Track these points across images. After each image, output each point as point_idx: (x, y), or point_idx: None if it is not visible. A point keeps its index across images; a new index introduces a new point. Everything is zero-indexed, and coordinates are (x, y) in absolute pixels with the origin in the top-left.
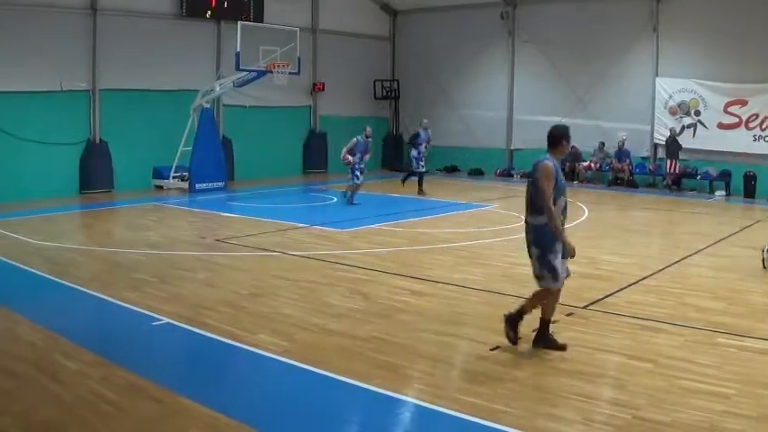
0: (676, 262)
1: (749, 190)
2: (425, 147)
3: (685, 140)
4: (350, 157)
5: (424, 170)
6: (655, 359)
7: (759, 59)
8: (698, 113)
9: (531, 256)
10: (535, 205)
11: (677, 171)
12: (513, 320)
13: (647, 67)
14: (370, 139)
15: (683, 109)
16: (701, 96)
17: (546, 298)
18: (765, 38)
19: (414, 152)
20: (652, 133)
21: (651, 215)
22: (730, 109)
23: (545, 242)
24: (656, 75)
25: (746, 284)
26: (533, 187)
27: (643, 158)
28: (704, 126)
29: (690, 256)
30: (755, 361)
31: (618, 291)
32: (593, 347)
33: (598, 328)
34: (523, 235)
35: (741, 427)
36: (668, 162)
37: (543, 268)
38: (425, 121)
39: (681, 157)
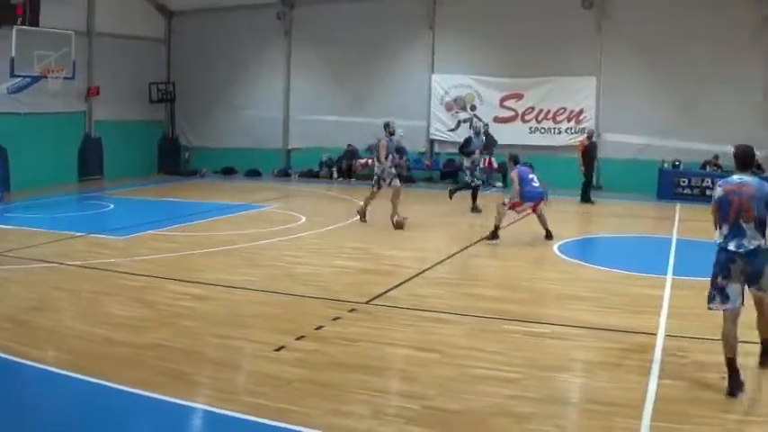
0: (457, 253)
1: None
2: (479, 154)
3: (462, 135)
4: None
5: (479, 183)
6: (441, 349)
7: (534, 54)
8: (474, 108)
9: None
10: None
11: (494, 167)
12: None
13: (424, 64)
14: (394, 137)
15: (458, 104)
16: (476, 91)
17: None
18: (539, 33)
19: (466, 162)
20: (428, 129)
21: (429, 209)
22: (506, 103)
23: None
24: (432, 71)
25: (528, 272)
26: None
27: (420, 154)
28: (480, 120)
29: (470, 246)
30: (540, 345)
31: (400, 284)
32: (379, 342)
33: (382, 323)
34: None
35: (530, 410)
36: (483, 159)
37: None
38: (479, 123)
39: (452, 150)
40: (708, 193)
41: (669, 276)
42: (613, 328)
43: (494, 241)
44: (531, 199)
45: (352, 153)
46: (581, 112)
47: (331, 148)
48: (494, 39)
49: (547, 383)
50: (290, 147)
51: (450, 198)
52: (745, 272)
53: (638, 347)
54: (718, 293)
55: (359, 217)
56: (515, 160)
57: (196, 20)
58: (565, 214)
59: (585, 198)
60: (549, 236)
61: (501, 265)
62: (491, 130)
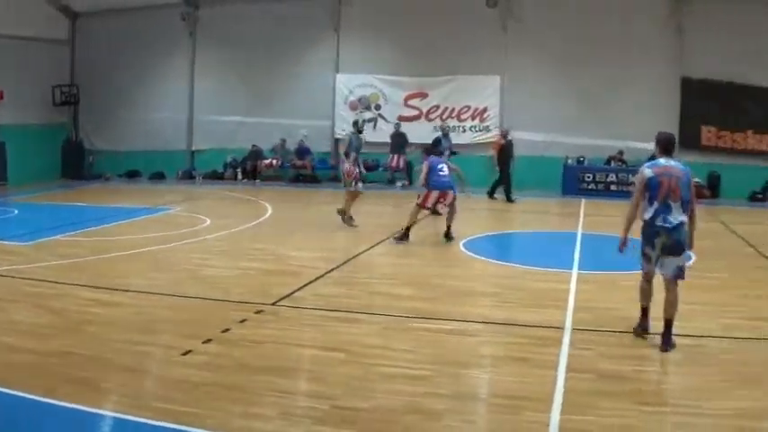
0: (362, 252)
1: None
2: (448, 156)
3: (367, 134)
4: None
5: None
6: (348, 348)
7: (438, 53)
8: (378, 107)
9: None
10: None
11: (401, 166)
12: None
13: (328, 64)
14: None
15: (363, 103)
16: (381, 91)
17: None
18: (444, 32)
19: None
20: (333, 129)
21: (334, 209)
22: (411, 102)
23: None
24: (337, 71)
25: (434, 270)
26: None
27: (324, 154)
28: (385, 119)
29: (375, 245)
30: (448, 342)
31: (306, 285)
32: (286, 343)
33: (289, 323)
34: None
35: (441, 406)
36: (392, 157)
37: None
38: (447, 125)
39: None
40: (612, 188)
41: (574, 271)
42: (520, 323)
43: (403, 242)
44: (435, 188)
45: (256, 154)
46: (485, 110)
47: (235, 149)
48: (398, 38)
49: (456, 380)
50: (194, 148)
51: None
52: (665, 244)
53: (546, 341)
54: (644, 260)
55: (344, 221)
56: (429, 152)
57: (101, 21)
58: (470, 212)
59: (507, 197)
60: (448, 235)
61: (407, 264)
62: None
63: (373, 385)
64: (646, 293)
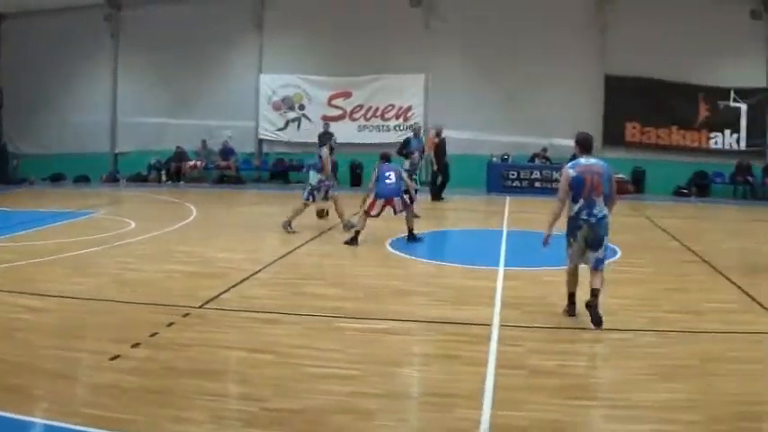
0: (288, 253)
1: (355, 179)
2: (419, 156)
3: (291, 134)
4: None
5: (417, 186)
6: (277, 350)
7: (362, 53)
8: (302, 107)
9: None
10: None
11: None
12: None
13: (252, 64)
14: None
15: (286, 103)
16: (304, 91)
17: None
18: (367, 31)
19: (405, 164)
20: (257, 129)
21: (259, 210)
22: (335, 101)
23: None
24: (260, 72)
25: (361, 269)
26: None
27: (249, 154)
28: (309, 119)
29: (301, 246)
30: (377, 341)
31: (233, 287)
32: (214, 345)
33: (216, 326)
34: None
35: (372, 406)
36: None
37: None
38: (419, 125)
39: (286, 150)
40: (537, 185)
41: (501, 268)
42: (449, 320)
43: (352, 245)
44: (380, 195)
45: (180, 155)
46: (409, 108)
47: (160, 150)
48: (322, 38)
49: (386, 379)
50: (117, 151)
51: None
52: (589, 237)
53: (475, 339)
54: (569, 251)
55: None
56: (384, 158)
57: (24, 23)
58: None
59: (435, 196)
60: (411, 236)
61: (334, 264)
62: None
63: (302, 386)
64: (572, 281)
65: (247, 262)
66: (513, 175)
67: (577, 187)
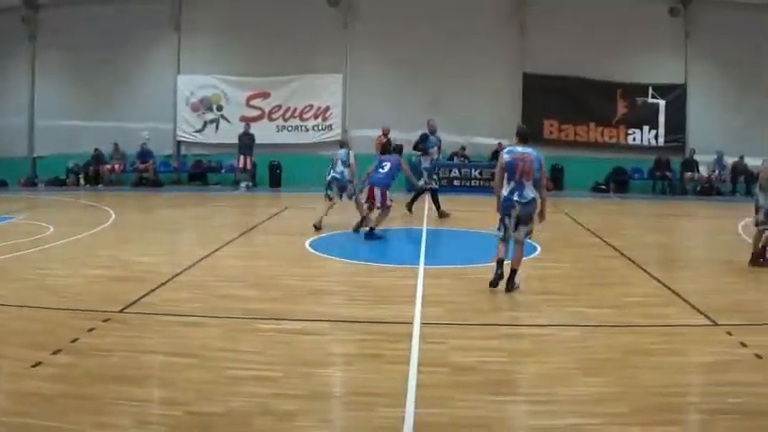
0: (208, 255)
1: (275, 180)
2: (438, 154)
3: (209, 135)
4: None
5: (437, 186)
6: (198, 353)
7: (280, 53)
8: (220, 108)
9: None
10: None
11: (248, 167)
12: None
13: (169, 65)
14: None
15: (204, 104)
16: (223, 91)
17: None
18: (286, 32)
19: (424, 162)
20: (175, 131)
21: (178, 212)
22: (253, 102)
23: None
24: (178, 72)
25: (279, 270)
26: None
27: (167, 156)
28: (227, 120)
29: (221, 248)
30: (297, 342)
31: (153, 290)
32: (136, 350)
33: (137, 330)
34: None
35: (293, 407)
36: (240, 158)
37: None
38: (434, 121)
39: (204, 151)
40: (456, 183)
41: (421, 266)
42: (370, 319)
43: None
44: (371, 183)
45: (98, 158)
46: (328, 109)
47: (78, 154)
48: (240, 38)
49: (308, 379)
50: (35, 155)
51: (410, 212)
52: (518, 215)
53: (397, 337)
54: (501, 227)
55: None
56: (397, 150)
57: None
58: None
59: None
60: (369, 233)
61: (253, 265)
62: (236, 128)
63: (225, 389)
64: (501, 250)
65: (167, 265)
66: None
67: (510, 170)
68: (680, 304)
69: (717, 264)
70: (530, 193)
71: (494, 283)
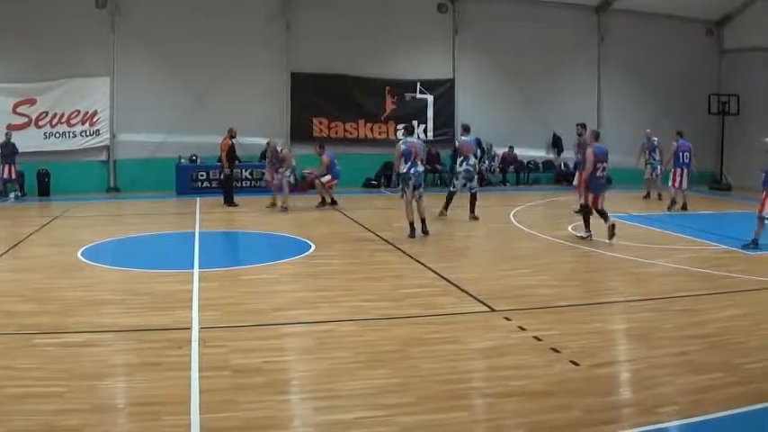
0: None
1: (44, 188)
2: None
3: None
4: None
5: (455, 190)
6: None
7: (45, 57)
8: None
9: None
10: None
11: (14, 177)
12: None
13: None
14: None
15: None
16: None
17: None
18: (51, 34)
19: (465, 165)
20: None
21: None
22: (20, 109)
23: None
24: None
25: (54, 282)
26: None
27: None
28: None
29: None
30: (78, 355)
31: None
32: None
33: None
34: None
35: (77, 422)
36: (6, 168)
37: None
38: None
39: None
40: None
41: (196, 270)
42: (147, 327)
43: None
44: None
45: None
46: (95, 113)
47: None
48: (3, 44)
49: (90, 393)
50: None
51: (446, 213)
52: (415, 184)
53: (176, 344)
54: (405, 194)
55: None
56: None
57: None
58: (86, 219)
59: (228, 200)
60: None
61: (26, 279)
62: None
63: (4, 408)
64: (409, 212)
65: None
66: (202, 176)
67: (407, 154)
68: (457, 293)
69: (491, 252)
70: (420, 168)
71: (412, 236)
